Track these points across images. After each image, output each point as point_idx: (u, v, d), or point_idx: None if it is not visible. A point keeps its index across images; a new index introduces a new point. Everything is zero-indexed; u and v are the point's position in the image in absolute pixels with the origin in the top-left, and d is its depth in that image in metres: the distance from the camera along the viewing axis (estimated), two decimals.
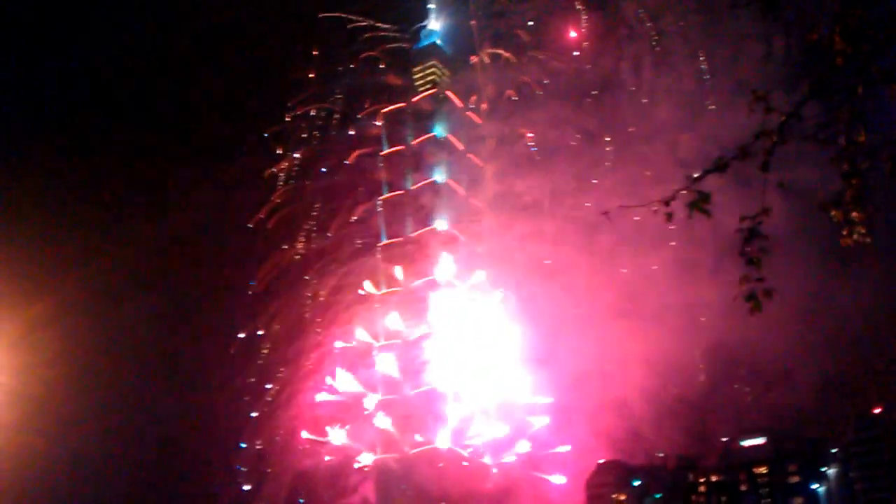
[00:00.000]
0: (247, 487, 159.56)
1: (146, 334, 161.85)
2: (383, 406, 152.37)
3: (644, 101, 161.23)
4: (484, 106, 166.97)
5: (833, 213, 11.17)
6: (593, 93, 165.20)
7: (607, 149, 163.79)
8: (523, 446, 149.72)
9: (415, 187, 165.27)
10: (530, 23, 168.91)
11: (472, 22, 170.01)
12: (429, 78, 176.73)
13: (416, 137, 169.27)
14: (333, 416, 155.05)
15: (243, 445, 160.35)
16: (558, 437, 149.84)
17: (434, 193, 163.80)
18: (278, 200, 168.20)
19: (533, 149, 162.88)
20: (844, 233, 11.07)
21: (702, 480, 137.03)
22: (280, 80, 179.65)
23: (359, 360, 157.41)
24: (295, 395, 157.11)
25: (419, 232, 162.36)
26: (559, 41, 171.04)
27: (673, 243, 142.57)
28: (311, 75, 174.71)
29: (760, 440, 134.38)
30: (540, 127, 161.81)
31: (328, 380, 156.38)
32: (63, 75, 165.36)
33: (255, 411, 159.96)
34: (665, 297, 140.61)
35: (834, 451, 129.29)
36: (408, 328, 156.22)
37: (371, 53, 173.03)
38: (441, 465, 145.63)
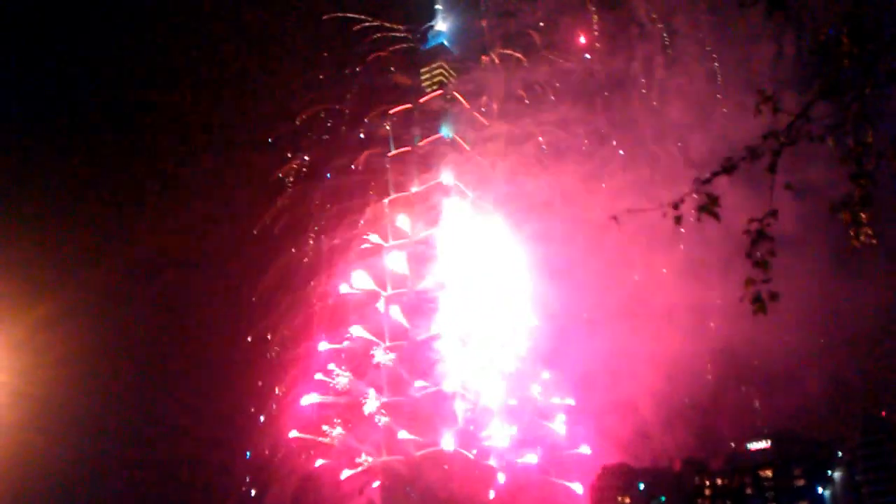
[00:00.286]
0: (253, 492, 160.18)
1: (150, 337, 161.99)
2: (389, 408, 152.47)
3: (655, 101, 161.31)
4: (493, 106, 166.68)
5: (842, 214, 11.13)
6: (605, 94, 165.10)
7: (620, 151, 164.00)
8: (534, 449, 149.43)
9: (422, 188, 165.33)
10: (540, 23, 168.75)
11: (483, 22, 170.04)
12: (436, 79, 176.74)
13: (424, 138, 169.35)
14: (338, 419, 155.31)
15: (248, 455, 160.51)
16: (566, 438, 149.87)
17: (442, 194, 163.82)
18: (285, 203, 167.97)
19: (543, 149, 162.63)
20: (852, 234, 11.03)
21: (707, 484, 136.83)
22: (287, 82, 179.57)
23: (365, 361, 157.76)
24: (300, 398, 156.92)
25: (425, 234, 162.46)
26: (570, 41, 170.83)
27: (682, 247, 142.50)
28: (320, 76, 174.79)
29: (766, 443, 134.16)
30: (550, 127, 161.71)
31: (332, 381, 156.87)
32: (64, 77, 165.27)
33: (262, 415, 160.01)
34: (674, 299, 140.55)
35: (840, 454, 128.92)
36: (414, 328, 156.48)
37: (379, 54, 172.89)
38: (446, 467, 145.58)
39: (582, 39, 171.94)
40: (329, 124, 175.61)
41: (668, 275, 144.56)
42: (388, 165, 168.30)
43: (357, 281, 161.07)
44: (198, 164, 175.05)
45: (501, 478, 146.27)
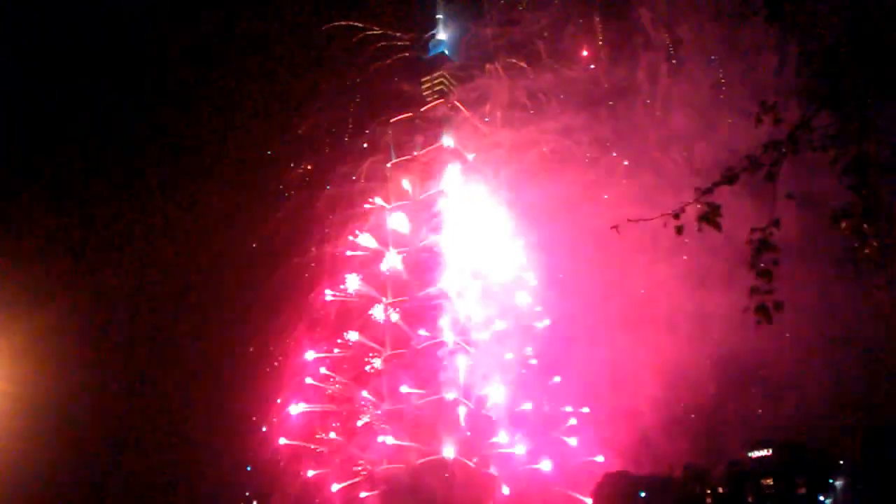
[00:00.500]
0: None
1: (153, 346, 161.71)
2: (389, 415, 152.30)
3: (660, 109, 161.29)
4: (496, 115, 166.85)
5: (843, 225, 11.13)
6: (609, 102, 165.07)
7: (624, 161, 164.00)
8: (542, 457, 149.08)
9: (423, 197, 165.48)
10: (545, 32, 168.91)
11: (487, 31, 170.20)
12: (437, 88, 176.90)
13: (425, 147, 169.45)
14: (338, 425, 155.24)
15: (249, 468, 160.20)
16: (579, 447, 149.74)
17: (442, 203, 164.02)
18: (286, 213, 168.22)
19: (546, 157, 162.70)
20: (855, 244, 11.05)
21: (708, 492, 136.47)
22: (288, 91, 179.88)
23: (364, 368, 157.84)
24: (298, 408, 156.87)
25: (426, 242, 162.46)
26: (574, 50, 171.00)
27: (686, 255, 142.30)
28: (321, 86, 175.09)
29: (767, 451, 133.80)
30: (553, 136, 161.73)
31: (329, 389, 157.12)
32: (66, 81, 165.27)
33: (264, 425, 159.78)
34: (677, 307, 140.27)
35: (841, 462, 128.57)
36: (415, 335, 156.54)
37: (381, 63, 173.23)
38: (447, 475, 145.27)
39: (585, 53, 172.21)
40: (332, 133, 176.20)
41: (672, 283, 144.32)
42: (389, 174, 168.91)
43: (358, 287, 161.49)
44: (200, 169, 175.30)
45: (506, 490, 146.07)
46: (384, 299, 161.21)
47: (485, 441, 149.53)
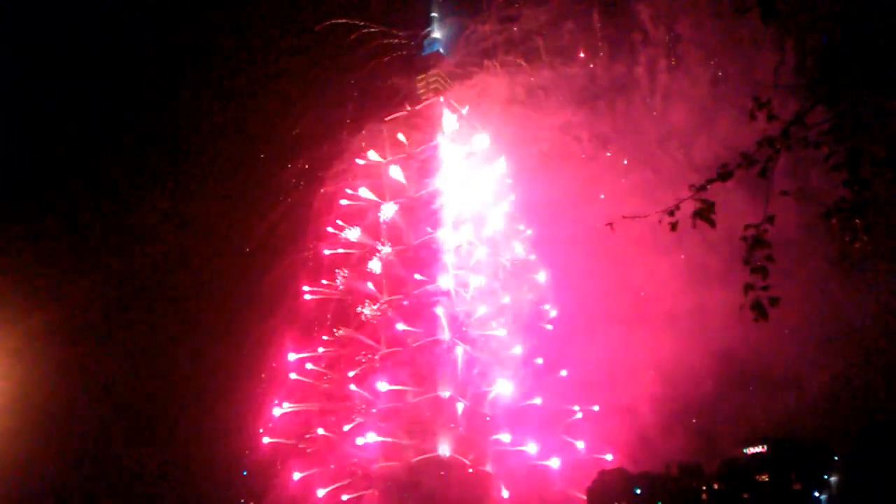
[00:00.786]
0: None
1: (149, 348, 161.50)
2: (386, 413, 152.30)
3: (659, 105, 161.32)
4: (494, 112, 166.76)
5: (834, 220, 11.19)
6: (607, 98, 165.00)
7: (623, 158, 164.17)
8: (547, 455, 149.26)
9: (417, 196, 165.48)
10: (543, 29, 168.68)
11: (485, 27, 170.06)
12: (432, 86, 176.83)
13: (420, 145, 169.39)
14: (335, 426, 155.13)
15: (245, 473, 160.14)
16: (585, 445, 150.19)
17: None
18: (283, 211, 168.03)
19: (544, 154, 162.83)
20: (847, 239, 11.13)
21: (704, 488, 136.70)
22: (286, 90, 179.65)
23: (361, 366, 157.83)
24: (295, 408, 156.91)
25: (421, 239, 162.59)
26: (572, 47, 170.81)
27: (684, 250, 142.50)
28: (319, 85, 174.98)
29: (763, 448, 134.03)
30: (551, 132, 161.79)
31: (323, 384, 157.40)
32: (67, 85, 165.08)
33: (260, 427, 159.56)
34: (674, 303, 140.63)
35: (837, 458, 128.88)
36: (414, 336, 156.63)
37: (378, 60, 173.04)
38: (442, 473, 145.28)
39: (582, 55, 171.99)
40: (330, 130, 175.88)
41: (670, 279, 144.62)
42: (384, 171, 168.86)
43: (356, 285, 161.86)
44: (198, 169, 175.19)
45: (504, 491, 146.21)
46: (381, 297, 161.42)
47: (481, 438, 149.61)
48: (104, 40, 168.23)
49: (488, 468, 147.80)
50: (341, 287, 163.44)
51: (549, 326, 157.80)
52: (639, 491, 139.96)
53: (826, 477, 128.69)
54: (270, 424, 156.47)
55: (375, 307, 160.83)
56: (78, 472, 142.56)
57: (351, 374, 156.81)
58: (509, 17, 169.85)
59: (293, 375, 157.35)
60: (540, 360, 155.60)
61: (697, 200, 11.61)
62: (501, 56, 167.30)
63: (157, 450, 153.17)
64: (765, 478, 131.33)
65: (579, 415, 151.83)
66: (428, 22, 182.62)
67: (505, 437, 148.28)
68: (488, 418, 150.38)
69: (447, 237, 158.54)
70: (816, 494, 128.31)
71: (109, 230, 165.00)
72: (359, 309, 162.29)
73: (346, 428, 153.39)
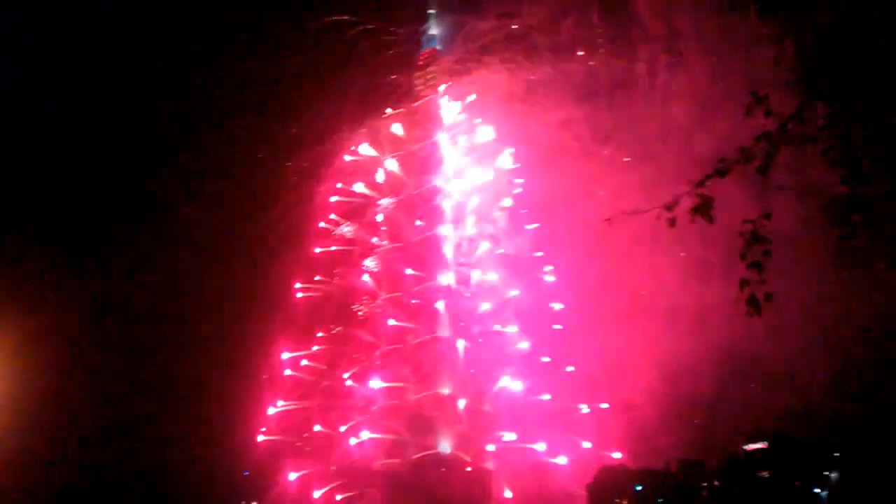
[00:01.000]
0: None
1: (149, 348, 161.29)
2: (387, 411, 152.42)
3: (658, 101, 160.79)
4: (489, 107, 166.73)
5: (832, 215, 11.15)
6: (607, 94, 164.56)
7: (623, 154, 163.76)
8: (556, 452, 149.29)
9: (416, 192, 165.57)
10: (542, 25, 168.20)
11: (484, 24, 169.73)
12: (430, 82, 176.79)
13: (418, 142, 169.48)
14: (338, 421, 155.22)
15: (247, 473, 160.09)
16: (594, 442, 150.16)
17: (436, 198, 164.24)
18: (283, 209, 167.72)
19: (544, 150, 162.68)
20: (845, 235, 11.08)
21: (704, 485, 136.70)
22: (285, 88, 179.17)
23: (362, 362, 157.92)
24: (293, 407, 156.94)
25: (420, 237, 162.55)
26: (572, 43, 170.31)
27: (684, 246, 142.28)
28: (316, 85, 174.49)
29: (763, 444, 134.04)
30: (551, 128, 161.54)
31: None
32: (66, 88, 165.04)
33: (261, 426, 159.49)
34: (674, 299, 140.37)
35: (837, 455, 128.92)
36: (414, 333, 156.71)
37: (377, 57, 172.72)
38: (443, 469, 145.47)
39: (581, 52, 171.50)
40: (325, 128, 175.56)
41: (669, 274, 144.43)
42: (383, 167, 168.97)
43: (355, 282, 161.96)
44: (195, 177, 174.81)
45: (507, 490, 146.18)
46: (382, 294, 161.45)
47: (483, 435, 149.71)
48: (104, 40, 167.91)
49: (489, 465, 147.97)
50: (340, 284, 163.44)
51: (559, 326, 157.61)
52: (639, 488, 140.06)
53: (827, 473, 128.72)
54: (270, 423, 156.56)
55: (375, 304, 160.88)
56: (78, 473, 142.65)
57: (349, 373, 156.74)
58: (508, 13, 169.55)
59: (291, 373, 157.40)
60: (547, 359, 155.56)
61: (696, 196, 11.55)
62: (500, 52, 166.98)
63: (157, 450, 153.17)
64: (765, 474, 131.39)
65: (586, 411, 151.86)
66: (425, 18, 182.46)
67: (510, 436, 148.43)
68: (494, 413, 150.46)
69: (448, 232, 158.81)
70: (817, 491, 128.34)
71: (109, 230, 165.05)
72: (357, 306, 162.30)
73: (346, 427, 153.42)
